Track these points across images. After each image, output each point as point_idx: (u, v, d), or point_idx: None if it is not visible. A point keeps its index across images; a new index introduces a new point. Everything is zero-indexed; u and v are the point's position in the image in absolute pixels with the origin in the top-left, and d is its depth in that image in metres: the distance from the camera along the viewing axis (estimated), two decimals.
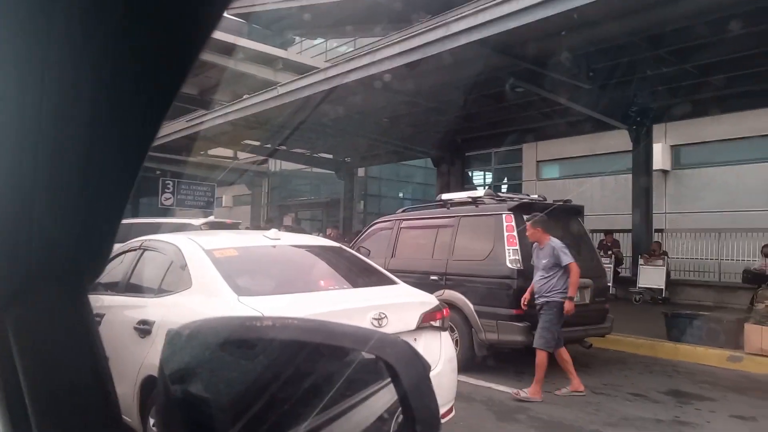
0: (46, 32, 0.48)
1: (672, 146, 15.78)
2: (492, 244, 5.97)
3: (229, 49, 17.24)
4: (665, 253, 12.00)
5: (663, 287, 11.46)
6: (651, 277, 11.62)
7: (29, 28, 0.48)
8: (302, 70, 16.39)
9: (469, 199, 6.66)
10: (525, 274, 5.70)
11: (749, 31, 8.99)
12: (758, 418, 4.65)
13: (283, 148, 18.17)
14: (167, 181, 17.90)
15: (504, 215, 5.95)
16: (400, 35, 10.51)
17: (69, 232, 0.59)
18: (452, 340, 5.98)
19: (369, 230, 7.84)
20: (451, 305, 6.11)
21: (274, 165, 24.83)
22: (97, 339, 0.66)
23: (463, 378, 5.65)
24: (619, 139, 14.01)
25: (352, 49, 23.61)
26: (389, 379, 0.68)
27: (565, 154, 18.23)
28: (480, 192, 6.78)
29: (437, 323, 3.62)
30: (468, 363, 5.99)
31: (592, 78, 10.37)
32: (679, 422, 4.52)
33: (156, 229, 9.18)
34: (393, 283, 3.99)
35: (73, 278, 0.63)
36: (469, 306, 5.97)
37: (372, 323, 3.23)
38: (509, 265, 5.73)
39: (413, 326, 3.46)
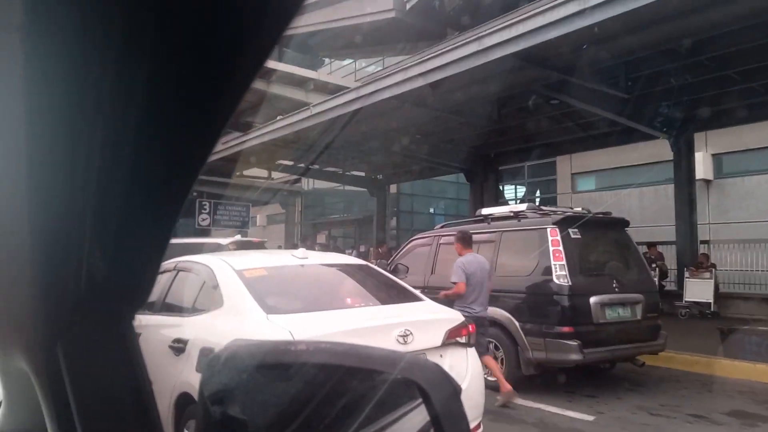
0: (98, 59, 0.47)
1: (713, 155, 15.33)
2: (537, 259, 5.81)
3: (263, 72, 17.59)
4: (713, 266, 11.56)
5: (711, 301, 11.01)
6: (698, 290, 11.18)
7: (80, 54, 0.47)
8: (333, 90, 16.57)
9: (511, 214, 6.52)
10: (574, 289, 5.51)
11: None
12: None
13: (316, 167, 18.31)
14: (204, 202, 18.19)
15: (549, 229, 5.79)
16: (432, 51, 10.49)
17: (116, 263, 0.60)
18: (498, 358, 5.86)
19: (407, 247, 7.75)
20: (496, 323, 5.98)
21: (307, 184, 25.04)
22: (142, 364, 0.67)
23: None
24: (656, 149, 13.68)
25: (381, 68, 23.81)
26: (420, 400, 0.69)
27: (601, 166, 17.92)
28: (522, 206, 6.62)
29: (463, 339, 3.65)
30: (515, 382, 5.81)
31: (630, 87, 10.15)
32: None
33: (185, 248, 9.32)
34: (419, 299, 4.04)
35: (120, 307, 0.65)
36: (514, 323, 5.81)
37: (398, 340, 3.27)
38: (556, 281, 5.56)
39: (439, 343, 3.50)
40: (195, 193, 18.62)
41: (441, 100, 11.34)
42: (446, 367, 3.51)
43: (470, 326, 3.77)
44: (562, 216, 5.98)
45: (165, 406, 3.43)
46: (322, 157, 16.67)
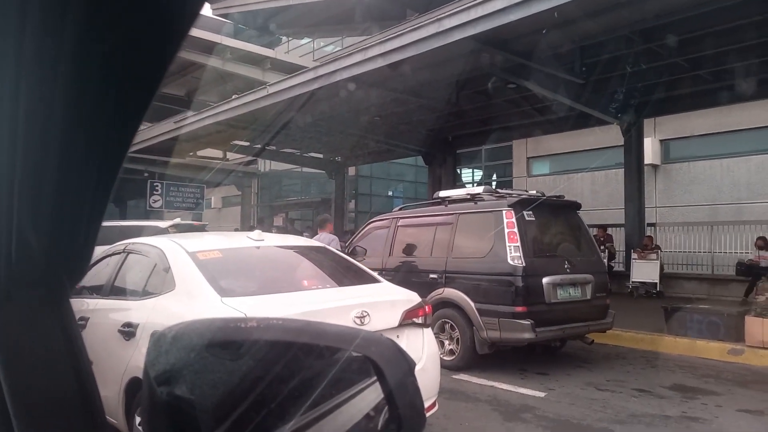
0: (19, 32, 0.48)
1: (661, 141, 15.88)
2: (492, 241, 5.90)
3: (216, 50, 17.09)
4: (658, 247, 12.04)
5: (657, 281, 11.49)
6: (644, 271, 11.65)
7: (1, 28, 0.48)
8: (290, 69, 16.27)
9: (468, 196, 6.59)
10: (528, 270, 5.63)
11: (737, 25, 9.03)
12: (766, 412, 4.62)
13: (273, 147, 18.01)
14: (155, 183, 17.70)
15: (504, 211, 5.87)
16: (392, 32, 10.40)
17: (48, 237, 0.60)
18: (453, 338, 5.95)
19: (365, 229, 7.74)
20: (452, 304, 6.07)
21: (264, 165, 24.64)
22: (80, 342, 0.66)
23: (466, 377, 5.63)
24: (609, 135, 14.06)
25: (340, 48, 23.50)
26: (375, 378, 0.69)
27: (555, 150, 18.31)
28: (479, 189, 6.69)
29: (420, 320, 3.69)
30: (470, 362, 5.93)
31: (584, 73, 10.35)
32: (688, 418, 4.47)
33: (121, 232, 9.08)
34: (376, 281, 4.05)
35: (54, 282, 0.64)
36: (469, 304, 5.89)
37: (355, 321, 3.28)
38: (511, 262, 5.66)
39: (395, 323, 3.53)
40: (146, 174, 18.07)
41: (400, 81, 11.29)
42: (403, 347, 3.56)
43: (426, 307, 3.80)
44: (517, 198, 6.08)
45: (115, 391, 3.36)
46: (279, 137, 16.39)
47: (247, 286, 3.62)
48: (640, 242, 12.19)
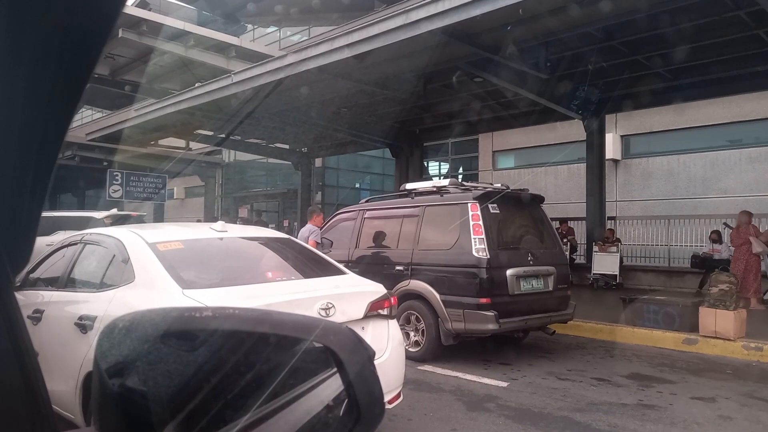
0: None
1: (622, 136, 16.26)
2: (458, 233, 5.94)
3: (179, 36, 16.65)
4: (618, 240, 12.35)
5: (617, 273, 11.80)
6: (605, 263, 11.95)
7: None
8: (256, 58, 15.98)
9: (434, 189, 6.61)
10: (492, 263, 5.69)
11: (695, 24, 9.29)
12: (717, 398, 4.80)
13: (238, 137, 17.71)
14: (115, 173, 17.18)
15: (470, 204, 5.92)
16: (360, 23, 10.33)
17: None
18: (419, 330, 5.98)
19: (331, 221, 7.69)
20: (417, 295, 6.10)
21: (228, 156, 24.23)
22: (25, 334, 0.64)
23: (431, 368, 5.67)
24: (572, 130, 14.32)
25: (307, 38, 23.22)
26: (335, 369, 0.69)
27: (520, 145, 18.55)
28: (445, 181, 6.72)
29: (385, 311, 3.70)
30: (435, 353, 5.97)
31: (548, 68, 10.49)
32: (644, 405, 4.61)
33: (55, 222, 8.81)
34: (341, 273, 4.04)
35: None
36: (435, 296, 5.93)
37: (320, 313, 3.26)
38: (475, 254, 5.71)
39: (361, 315, 3.53)
40: (106, 163, 17.54)
41: (367, 73, 11.25)
42: (368, 339, 3.51)
43: (392, 298, 3.81)
44: (482, 191, 6.13)
45: (72, 386, 3.27)
46: (244, 127, 16.13)
47: (210, 277, 3.57)
48: (601, 235, 12.48)
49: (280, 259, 4.18)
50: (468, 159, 22.44)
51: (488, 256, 5.69)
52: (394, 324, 3.81)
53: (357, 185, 24.97)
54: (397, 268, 6.36)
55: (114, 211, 12.14)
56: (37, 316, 3.80)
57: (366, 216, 7.14)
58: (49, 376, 3.37)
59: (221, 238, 3.99)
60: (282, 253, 4.27)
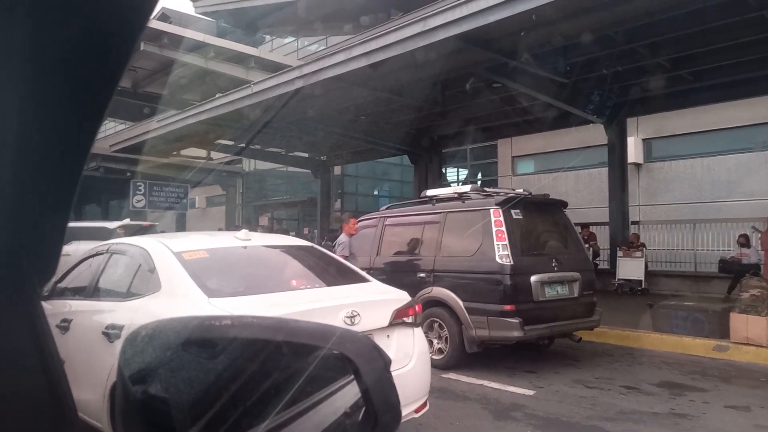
0: None
1: (644, 140, 16.04)
2: (480, 239, 5.88)
3: (199, 48, 16.89)
4: (643, 245, 12.15)
5: (642, 278, 11.60)
6: (630, 268, 11.76)
7: None
8: (274, 68, 16.13)
9: (455, 195, 6.57)
10: (516, 269, 5.63)
11: (717, 26, 9.14)
12: (751, 407, 4.66)
13: (257, 146, 17.85)
14: (138, 183, 17.45)
15: (492, 210, 5.86)
16: (376, 31, 10.36)
17: (11, 235, 0.59)
18: (442, 337, 5.93)
19: None
20: (440, 302, 6.05)
21: (248, 165, 24.45)
22: (51, 342, 0.65)
23: (455, 376, 5.61)
24: (592, 134, 14.18)
25: (324, 47, 23.40)
26: (352, 376, 0.69)
27: (540, 150, 18.43)
28: (466, 187, 6.67)
29: (410, 319, 3.65)
30: (458, 360, 5.91)
31: (569, 72, 10.41)
32: (676, 414, 4.50)
33: (70, 233, 8.90)
34: (365, 280, 4.02)
35: (20, 283, 0.62)
36: (458, 303, 5.88)
37: (345, 321, 3.24)
38: (499, 261, 5.65)
39: (386, 323, 3.49)
40: (129, 174, 17.81)
41: (384, 80, 11.27)
42: (393, 347, 3.47)
43: (417, 306, 3.78)
44: (504, 197, 6.07)
45: (100, 394, 3.29)
46: (263, 136, 16.28)
47: (235, 286, 3.58)
48: (625, 240, 12.29)
49: (304, 266, 4.18)
50: (486, 165, 22.35)
51: (512, 263, 5.63)
52: (419, 332, 3.77)
53: (375, 192, 25.00)
54: (420, 275, 6.32)
55: (127, 221, 12.32)
56: (65, 325, 3.84)
57: (387, 223, 7.12)
58: (77, 384, 3.38)
59: (245, 247, 4.00)
60: (305, 260, 4.27)
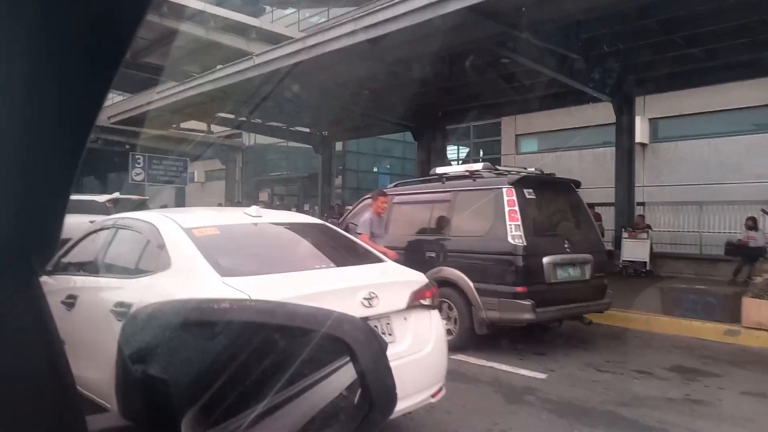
0: None
1: (650, 119, 15.81)
2: (492, 219, 5.75)
3: (199, 18, 16.49)
4: (649, 227, 12.04)
5: (647, 260, 11.51)
6: (635, 250, 11.66)
7: None
8: (276, 40, 15.77)
9: (467, 173, 6.40)
10: (528, 250, 5.50)
11: (732, 4, 8.87)
12: (767, 394, 4.59)
13: (258, 120, 17.57)
14: (137, 156, 17.22)
15: (504, 189, 5.71)
16: (385, 2, 10.05)
17: (11, 214, 0.58)
18: (451, 318, 5.83)
19: (358, 206, 7.53)
20: (450, 283, 5.94)
21: (249, 139, 24.15)
22: (51, 323, 0.65)
23: (464, 358, 5.52)
24: (598, 113, 13.96)
25: (325, 19, 22.93)
26: (348, 358, 0.70)
27: (544, 128, 18.20)
28: (478, 165, 6.51)
29: (427, 302, 3.52)
30: (467, 342, 5.82)
31: (579, 49, 10.16)
32: (692, 401, 4.42)
33: None
34: (379, 260, 3.87)
35: (20, 262, 0.62)
36: (468, 283, 5.76)
37: (362, 303, 3.12)
38: (511, 241, 5.51)
39: (404, 305, 3.36)
40: (128, 146, 17.57)
41: (391, 54, 10.98)
42: (410, 330, 3.32)
43: (434, 288, 3.65)
44: (518, 176, 5.91)
45: (107, 373, 3.16)
46: (265, 110, 16.00)
47: (247, 265, 3.43)
48: (631, 221, 12.17)
49: (317, 245, 4.04)
50: (489, 143, 22.13)
51: (525, 243, 5.50)
52: (436, 315, 3.63)
53: (375, 169, 24.78)
54: (428, 254, 6.20)
55: (117, 194, 12.15)
56: (71, 302, 3.72)
57: (395, 201, 6.96)
58: (86, 363, 3.23)
59: (256, 224, 3.86)
60: (318, 239, 4.14)
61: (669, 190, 15.07)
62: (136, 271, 3.56)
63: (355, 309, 3.12)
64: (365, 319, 3.17)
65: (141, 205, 12.31)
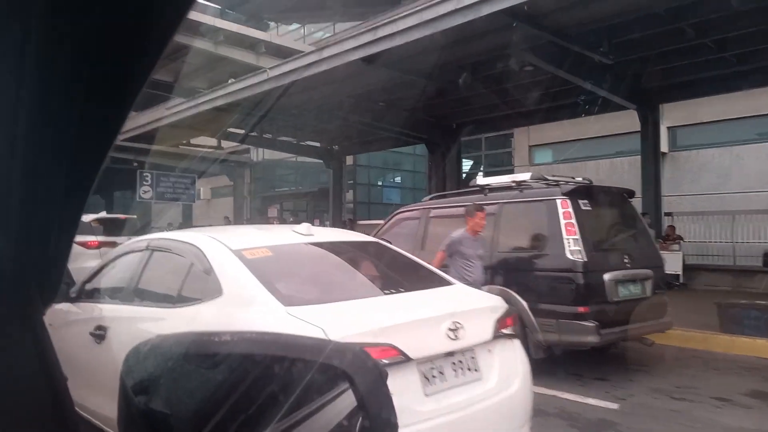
0: None
1: (669, 128, 15.43)
2: (546, 233, 5.31)
3: (207, 32, 16.23)
4: (680, 238, 11.59)
5: (680, 272, 11.04)
6: (667, 262, 11.17)
7: None
8: (285, 54, 15.53)
9: (512, 184, 5.98)
10: (589, 266, 5.05)
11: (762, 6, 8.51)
12: None
13: (269, 135, 17.20)
14: (145, 174, 16.81)
15: (559, 200, 5.27)
16: (406, 10, 9.71)
17: (17, 250, 0.58)
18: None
19: (391, 221, 7.09)
20: None
21: (257, 155, 23.78)
22: (53, 355, 0.64)
23: None
24: (613, 122, 13.65)
25: (330, 34, 22.74)
26: (347, 385, 0.70)
27: (559, 138, 17.89)
28: (525, 175, 6.08)
29: (510, 330, 3.08)
30: None
31: (610, 53, 9.78)
32: None
33: None
34: (448, 283, 3.43)
35: (23, 296, 0.62)
36: (521, 303, 5.30)
37: (448, 335, 2.70)
38: (570, 257, 5.07)
39: (489, 336, 2.92)
40: (135, 164, 17.19)
41: (408, 63, 10.64)
42: (496, 365, 2.83)
43: (514, 314, 3.21)
44: (573, 186, 5.49)
45: None
46: (276, 125, 15.67)
47: (309, 291, 2.98)
48: (659, 232, 11.73)
49: (379, 267, 3.60)
50: (500, 155, 21.82)
51: (585, 259, 5.05)
52: (518, 345, 3.17)
53: (379, 183, 24.36)
54: None
55: (103, 213, 11.63)
56: (101, 333, 3.28)
57: (432, 215, 6.54)
58: (115, 401, 2.76)
59: (309, 243, 3.42)
60: (378, 259, 3.70)
61: (689, 199, 14.65)
62: (178, 300, 3.13)
63: (439, 342, 2.69)
64: (450, 353, 2.73)
65: (128, 224, 11.85)
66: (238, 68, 16.55)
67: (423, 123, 15.46)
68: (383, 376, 0.73)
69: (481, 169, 21.66)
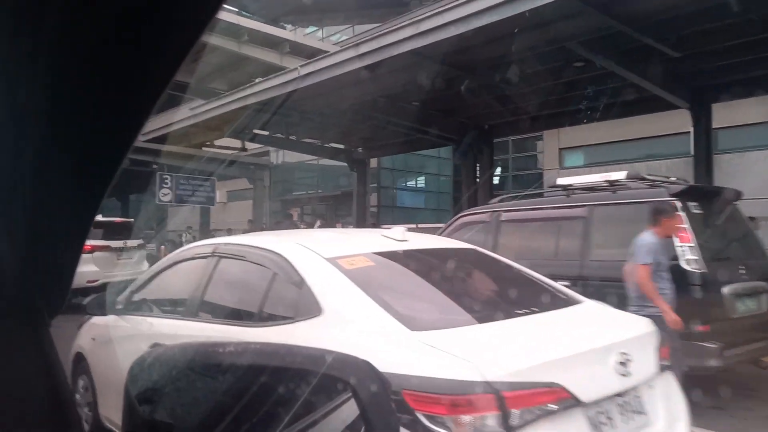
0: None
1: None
2: None
3: (231, 31, 15.73)
4: None
5: None
6: None
7: None
8: (310, 54, 15.02)
9: (605, 184, 5.33)
10: (707, 278, 4.39)
11: None
12: None
13: (293, 137, 16.65)
14: (165, 176, 16.28)
15: (668, 202, 4.62)
16: (446, 3, 9.14)
17: (24, 262, 0.56)
18: None
19: (454, 224, 6.45)
20: None
21: (277, 157, 23.24)
22: (60, 369, 0.62)
23: None
24: (649, 124, 13.10)
25: (348, 36, 22.31)
26: (350, 396, 0.68)
27: (590, 141, 17.35)
28: (620, 174, 5.42)
29: (667, 362, 2.55)
30: None
31: (674, 47, 9.14)
32: None
33: None
34: (575, 300, 2.89)
35: (29, 308, 0.60)
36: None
37: (617, 369, 2.15)
38: (687, 267, 4.42)
39: (655, 369, 2.39)
40: (155, 166, 16.68)
41: (450, 58, 10.04)
42: (659, 402, 2.04)
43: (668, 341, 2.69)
44: (684, 186, 4.84)
45: None
46: (302, 126, 15.12)
47: (430, 311, 2.42)
48: None
49: (495, 279, 3.04)
50: (525, 158, 21.26)
51: (703, 270, 4.39)
52: (674, 378, 2.61)
53: (406, 183, 23.74)
54: (561, 283, 5.08)
55: (98, 217, 11.05)
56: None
57: (503, 219, 5.90)
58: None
59: (408, 250, 2.85)
60: (489, 271, 3.14)
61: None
62: (260, 317, 2.54)
63: (608, 380, 2.11)
64: (620, 394, 2.15)
65: (126, 228, 11.30)
66: (260, 68, 16.03)
67: (455, 124, 14.88)
68: (387, 389, 0.75)
69: (498, 173, 21.12)
